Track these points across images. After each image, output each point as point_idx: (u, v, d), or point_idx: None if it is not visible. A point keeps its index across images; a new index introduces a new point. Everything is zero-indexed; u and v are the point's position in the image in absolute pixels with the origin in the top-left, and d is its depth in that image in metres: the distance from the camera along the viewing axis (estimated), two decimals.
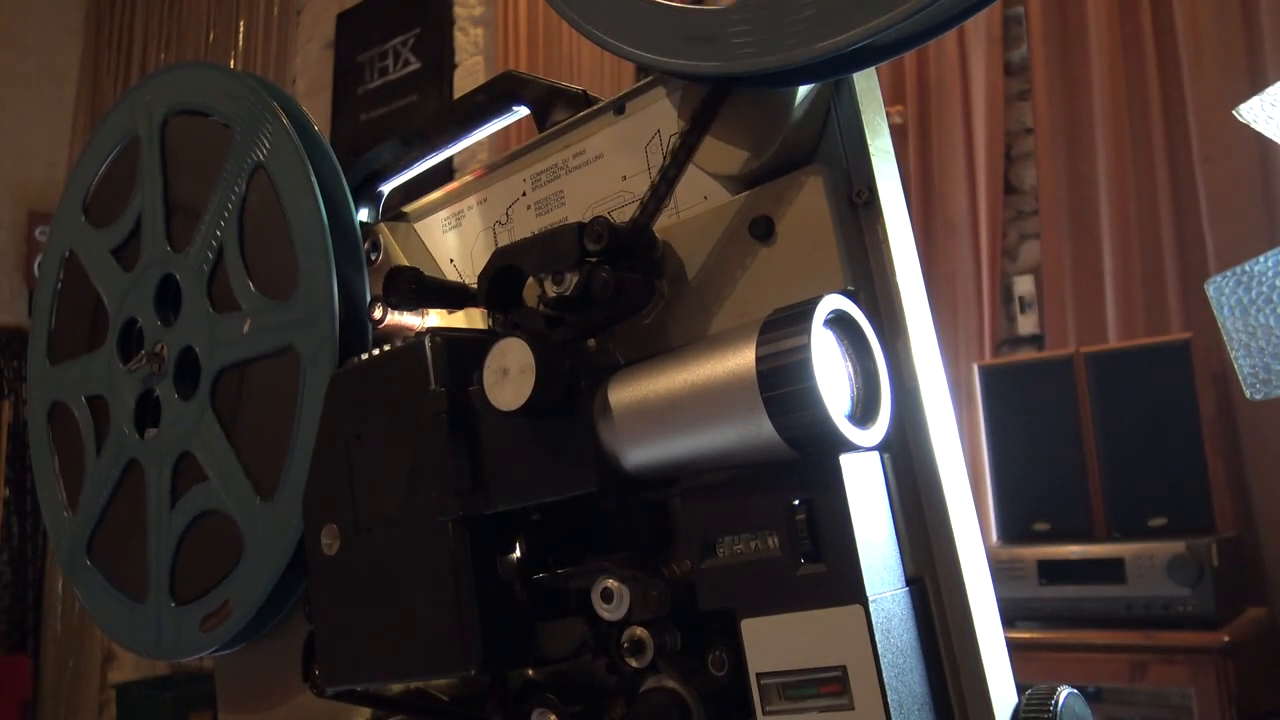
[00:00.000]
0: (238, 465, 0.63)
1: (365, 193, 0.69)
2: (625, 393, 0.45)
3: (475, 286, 0.53)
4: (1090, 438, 1.95)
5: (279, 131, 0.64)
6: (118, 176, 0.75)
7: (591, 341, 0.51)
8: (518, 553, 0.49)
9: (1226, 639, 1.67)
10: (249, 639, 0.64)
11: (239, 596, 0.62)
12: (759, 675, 0.42)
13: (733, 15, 0.44)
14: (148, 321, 0.70)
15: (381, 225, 0.67)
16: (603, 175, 0.57)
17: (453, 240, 0.66)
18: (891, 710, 0.39)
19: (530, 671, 0.52)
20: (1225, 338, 0.84)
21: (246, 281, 0.64)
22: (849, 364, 0.44)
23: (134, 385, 0.70)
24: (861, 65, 0.45)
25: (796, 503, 0.41)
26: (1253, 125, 0.84)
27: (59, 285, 0.79)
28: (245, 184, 0.65)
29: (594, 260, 0.47)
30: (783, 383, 0.40)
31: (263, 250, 0.64)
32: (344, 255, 0.61)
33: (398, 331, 0.59)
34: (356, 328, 0.60)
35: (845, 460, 0.41)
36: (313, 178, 0.62)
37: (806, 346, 0.40)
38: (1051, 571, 1.89)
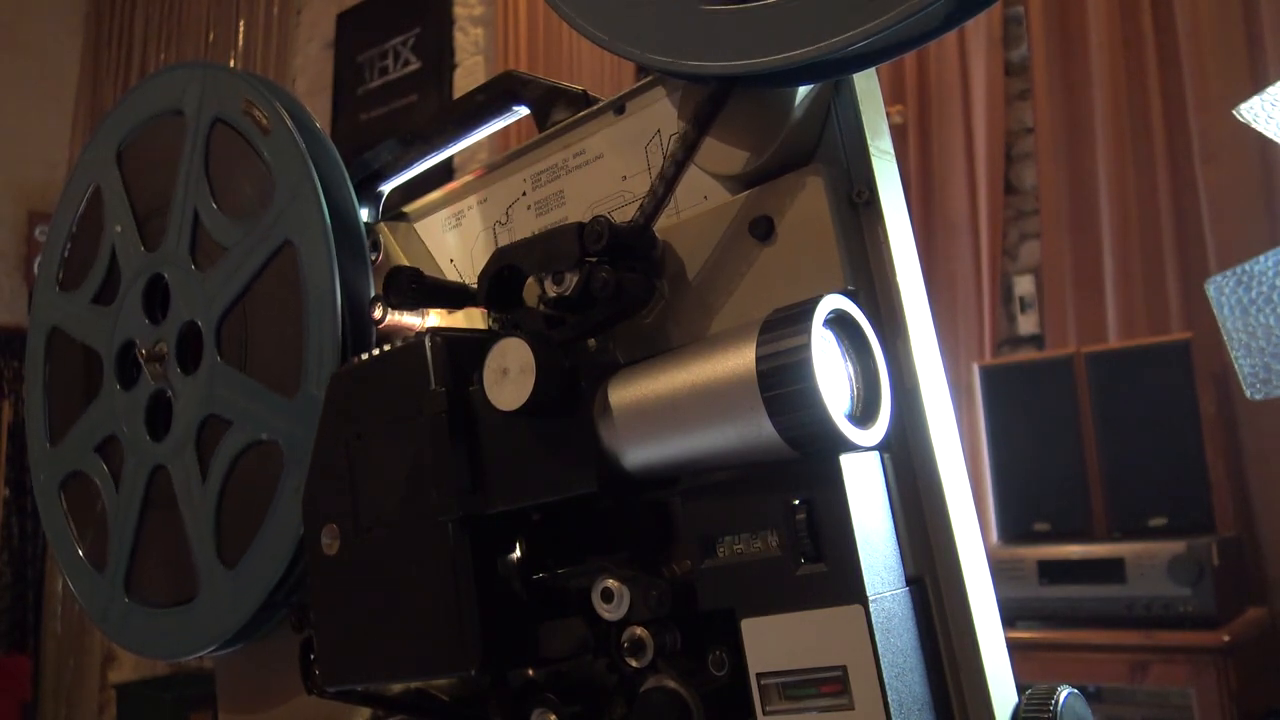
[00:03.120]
0: (208, 516, 0.63)
1: (365, 193, 0.69)
2: (625, 393, 0.45)
3: (475, 286, 0.53)
4: (1090, 438, 1.95)
5: (314, 214, 0.61)
6: (156, 144, 0.73)
7: (591, 341, 0.51)
8: (518, 553, 0.49)
9: (1226, 639, 1.68)
10: (249, 639, 0.64)
11: (182, 633, 0.63)
12: (759, 675, 0.42)
13: (733, 15, 0.44)
14: (141, 331, 0.70)
15: (382, 225, 0.67)
16: (603, 175, 0.57)
17: (453, 240, 0.66)
18: (891, 710, 0.39)
19: (530, 671, 0.52)
20: (1225, 338, 0.84)
21: (254, 351, 0.63)
22: (849, 364, 0.44)
23: (142, 398, 0.69)
24: (861, 65, 0.45)
25: (796, 502, 0.41)
26: (1253, 125, 0.84)
27: (80, 215, 0.77)
28: (271, 253, 0.63)
29: (594, 260, 0.47)
30: (783, 382, 0.40)
31: (276, 330, 0.63)
32: (346, 250, 0.61)
33: (398, 331, 0.59)
34: (359, 329, 0.60)
35: (845, 460, 0.41)
36: (336, 278, 0.60)
37: (807, 346, 0.40)
38: (1051, 571, 1.89)
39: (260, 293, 0.64)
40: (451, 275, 0.66)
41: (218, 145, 0.69)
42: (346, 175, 0.64)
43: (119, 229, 0.74)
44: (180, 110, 0.71)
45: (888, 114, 0.51)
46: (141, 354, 0.69)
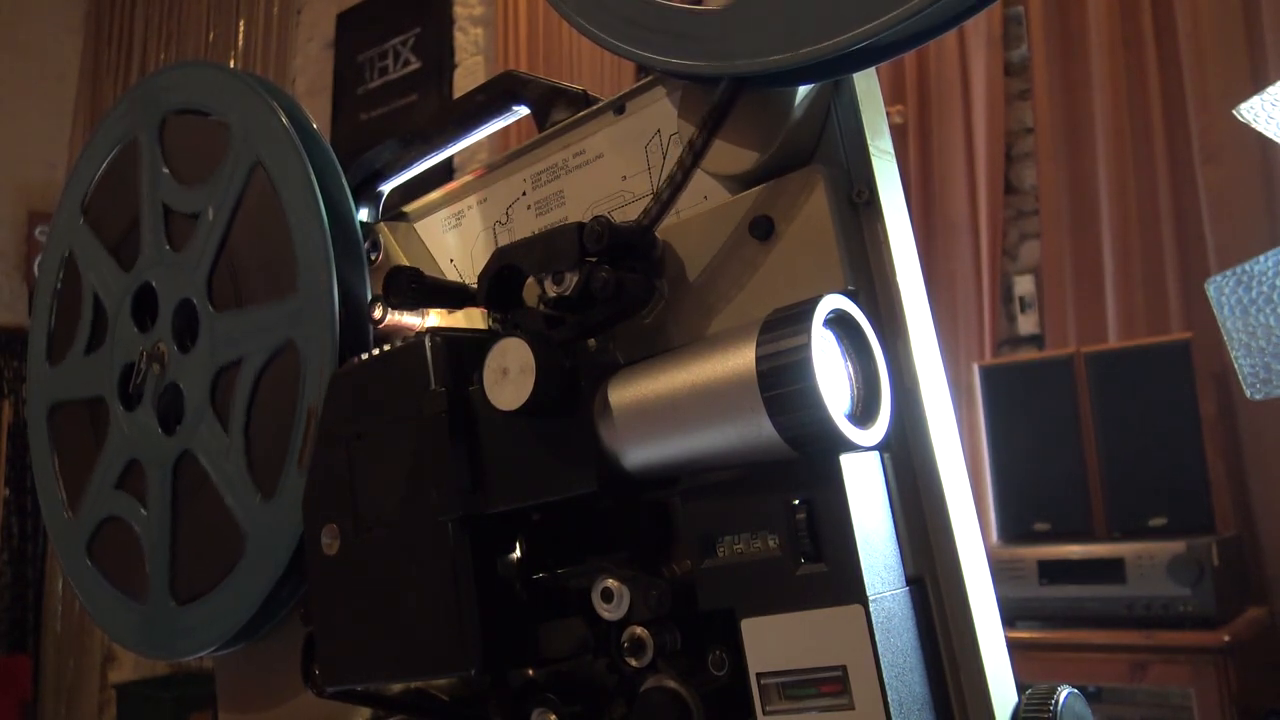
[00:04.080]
0: (239, 462, 0.63)
1: (365, 193, 0.69)
2: (625, 393, 0.45)
3: (475, 286, 0.53)
4: (1090, 438, 1.95)
5: (278, 130, 0.64)
6: (117, 177, 0.75)
7: (591, 341, 0.51)
8: (518, 553, 0.49)
9: (1226, 639, 1.67)
10: (249, 639, 0.64)
11: (240, 594, 0.62)
12: (759, 675, 0.42)
13: (732, 15, 0.44)
14: (146, 319, 0.70)
15: (381, 225, 0.67)
16: (603, 175, 0.57)
17: (453, 240, 0.66)
18: (891, 710, 0.39)
19: (530, 671, 0.52)
20: (1225, 338, 0.84)
21: (245, 279, 0.64)
22: (849, 364, 0.44)
23: (133, 385, 0.70)
24: (861, 65, 0.45)
25: (796, 502, 0.41)
26: (1253, 125, 0.84)
27: (59, 285, 0.79)
28: (243, 182, 0.65)
29: (594, 260, 0.47)
30: (783, 382, 0.40)
31: (262, 249, 0.64)
32: (344, 254, 0.61)
33: (398, 331, 0.59)
34: (357, 328, 0.60)
35: (845, 460, 0.41)
36: (311, 173, 0.62)
37: (807, 346, 0.40)
38: (1051, 571, 1.89)
39: (241, 224, 0.65)
40: (451, 275, 0.66)
41: (172, 136, 0.71)
42: (341, 173, 0.64)
43: (94, 273, 0.75)
44: (133, 135, 0.74)
45: (888, 114, 0.51)
46: (142, 355, 0.69)
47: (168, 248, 0.69)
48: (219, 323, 0.65)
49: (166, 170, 0.71)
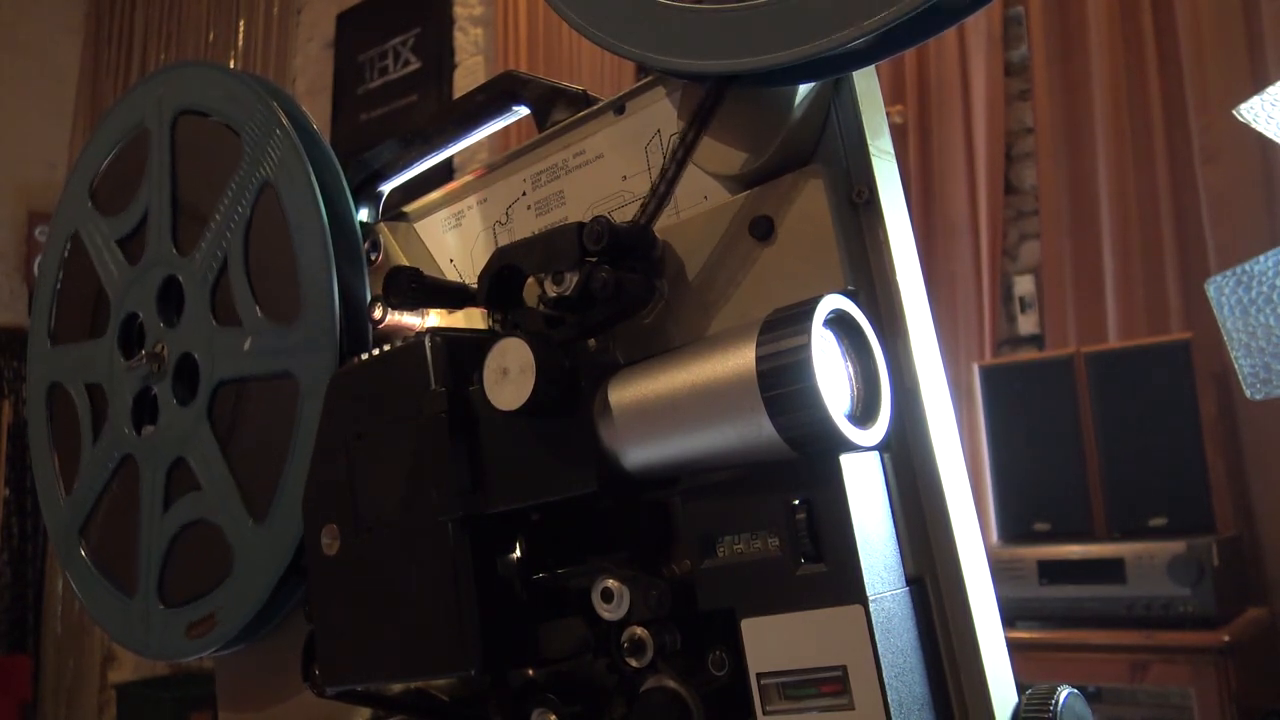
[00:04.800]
0: (231, 481, 0.63)
1: (365, 193, 0.69)
2: (625, 393, 0.45)
3: (475, 286, 0.53)
4: (1090, 438, 1.95)
5: (287, 147, 0.63)
6: (126, 165, 0.75)
7: (591, 341, 0.51)
8: (518, 553, 0.49)
9: (1226, 639, 1.68)
10: (248, 640, 0.64)
11: (226, 610, 0.62)
12: (759, 675, 0.42)
13: (732, 14, 0.44)
14: (149, 319, 0.70)
15: (381, 225, 0.67)
16: (603, 175, 0.57)
17: (453, 240, 0.66)
18: (892, 710, 0.39)
19: (530, 671, 0.52)
20: (1225, 338, 0.84)
21: (250, 299, 0.64)
22: (849, 364, 0.44)
23: (133, 381, 0.70)
24: (861, 63, 0.45)
25: (796, 502, 0.41)
26: (1253, 125, 0.84)
27: (63, 266, 0.78)
28: (253, 201, 0.65)
29: (594, 260, 0.47)
30: (783, 382, 0.40)
31: (267, 268, 0.64)
32: (344, 257, 0.61)
33: (398, 331, 0.59)
34: (357, 328, 0.60)
35: (845, 460, 0.41)
36: (320, 200, 0.61)
37: (807, 346, 0.40)
38: (1051, 571, 1.89)
39: (248, 241, 0.65)
40: (451, 275, 0.66)
41: (184, 135, 0.71)
42: (341, 173, 0.64)
43: (100, 260, 0.75)
44: (143, 123, 0.73)
45: (888, 114, 0.51)
46: (143, 355, 0.69)
47: (174, 250, 0.69)
48: (220, 337, 0.65)
49: (176, 170, 0.71)
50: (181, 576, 0.66)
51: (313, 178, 0.62)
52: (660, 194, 0.48)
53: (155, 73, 0.74)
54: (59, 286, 0.78)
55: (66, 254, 0.78)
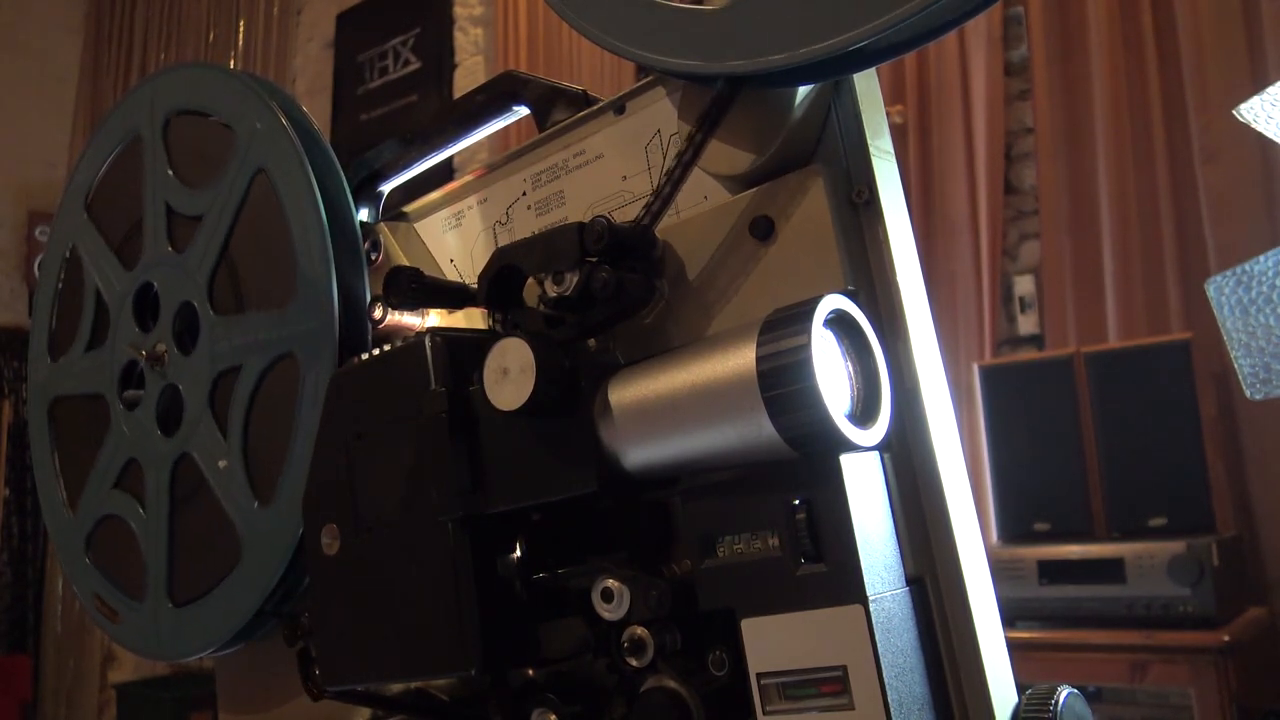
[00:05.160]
0: (236, 467, 0.63)
1: (365, 193, 0.69)
2: (626, 393, 0.45)
3: (475, 286, 0.53)
4: (1090, 438, 1.95)
5: (280, 135, 0.64)
6: (121, 174, 0.75)
7: (591, 341, 0.51)
8: (518, 553, 0.49)
9: (1226, 639, 1.67)
10: (248, 639, 0.64)
11: (236, 599, 0.62)
12: (759, 675, 0.42)
13: (732, 14, 0.44)
14: (147, 320, 0.70)
15: (381, 225, 0.67)
16: (603, 175, 0.57)
17: (453, 240, 0.66)
18: (892, 710, 0.39)
19: (530, 671, 0.52)
20: (1225, 338, 0.84)
21: (246, 286, 0.64)
22: (849, 364, 0.43)
23: (134, 384, 0.70)
24: (861, 65, 0.45)
25: (797, 502, 0.41)
26: (1253, 125, 0.84)
27: (61, 281, 0.78)
28: (246, 187, 0.65)
29: (594, 260, 0.47)
30: (783, 382, 0.40)
31: (263, 255, 0.64)
32: (344, 256, 0.61)
33: (398, 331, 0.59)
34: (356, 328, 0.60)
35: (845, 460, 0.41)
36: (313, 181, 0.62)
37: (807, 346, 0.40)
38: (1051, 571, 1.89)
39: (243, 230, 0.65)
40: (451, 275, 0.66)
41: (176, 136, 0.71)
42: (343, 175, 0.64)
43: (97, 270, 0.75)
44: (137, 132, 0.73)
45: (888, 114, 0.51)
46: (143, 356, 0.69)
47: (170, 249, 0.69)
48: (219, 327, 0.65)
49: (170, 171, 0.71)
50: (190, 574, 0.66)
51: (302, 155, 0.62)
52: (665, 195, 0.48)
53: (143, 80, 0.75)
54: (58, 303, 0.78)
55: (64, 269, 0.78)
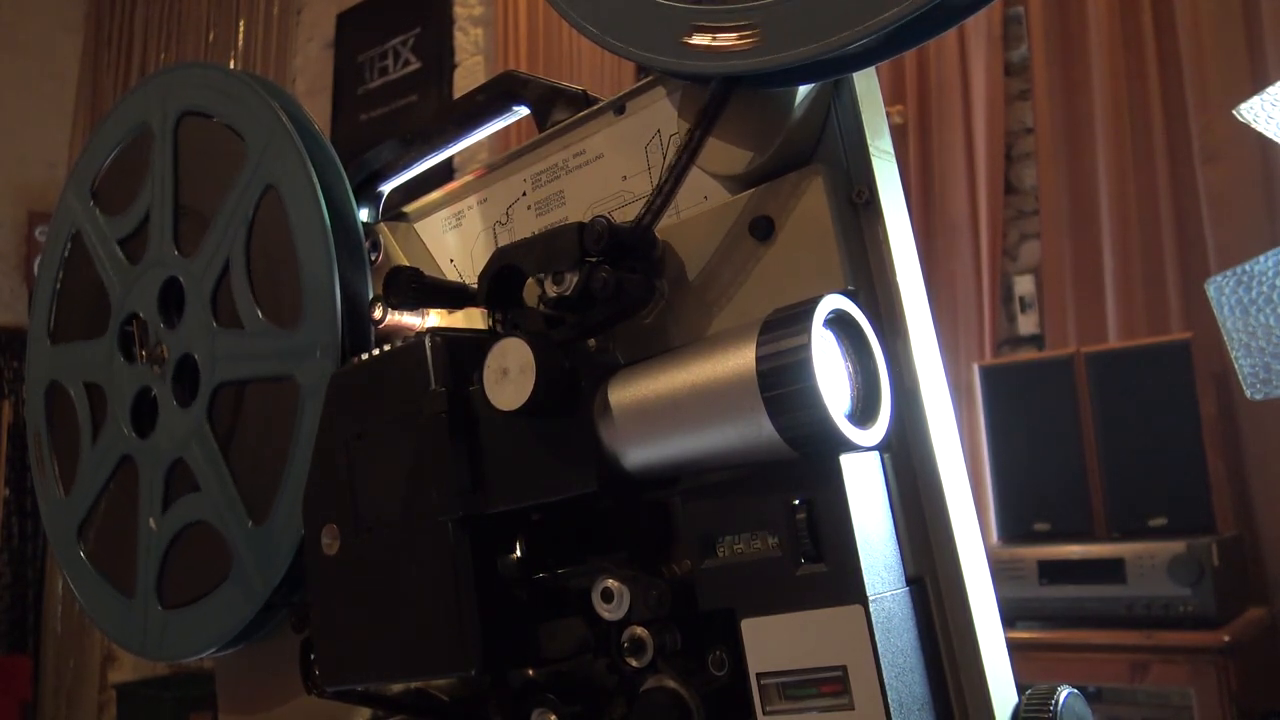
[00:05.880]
0: (231, 483, 0.63)
1: (365, 193, 0.69)
2: (626, 393, 0.45)
3: (475, 286, 0.53)
4: (1090, 438, 1.95)
5: (291, 152, 0.63)
6: (128, 165, 0.75)
7: (591, 341, 0.51)
8: (518, 553, 0.49)
9: (1227, 639, 1.67)
10: (248, 640, 0.64)
11: (223, 611, 0.62)
12: (759, 675, 0.42)
13: (732, 14, 0.44)
14: (150, 319, 0.70)
15: (381, 225, 0.67)
16: (603, 175, 0.57)
17: (453, 240, 0.66)
18: (892, 710, 0.39)
19: (530, 671, 0.52)
20: (1225, 338, 0.84)
21: (251, 302, 0.64)
22: (849, 364, 0.43)
23: (133, 381, 0.70)
24: (861, 64, 0.45)
25: (797, 502, 0.41)
26: (1253, 125, 0.84)
27: (63, 265, 0.78)
28: (256, 203, 0.65)
29: (594, 260, 0.47)
30: (783, 383, 0.40)
31: (269, 271, 0.64)
32: (347, 257, 0.61)
33: (398, 331, 0.59)
34: (359, 332, 0.60)
35: (845, 460, 0.41)
36: (323, 206, 0.61)
37: (807, 346, 0.40)
38: (1051, 571, 1.89)
39: (251, 243, 0.65)
40: (451, 275, 0.66)
41: (185, 137, 0.71)
42: (344, 175, 0.64)
43: (101, 259, 0.74)
44: (147, 123, 0.73)
45: (888, 114, 0.51)
46: (143, 355, 0.69)
47: (175, 251, 0.69)
48: (221, 339, 0.65)
49: (179, 171, 0.70)
50: (180, 578, 0.66)
51: (315, 179, 0.62)
52: (665, 194, 0.48)
53: (158, 72, 0.74)
54: (59, 286, 0.78)
55: (67, 253, 0.78)
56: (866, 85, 0.48)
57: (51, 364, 0.77)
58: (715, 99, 0.46)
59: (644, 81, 0.55)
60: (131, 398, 0.70)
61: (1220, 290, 0.83)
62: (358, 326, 0.60)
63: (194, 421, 0.65)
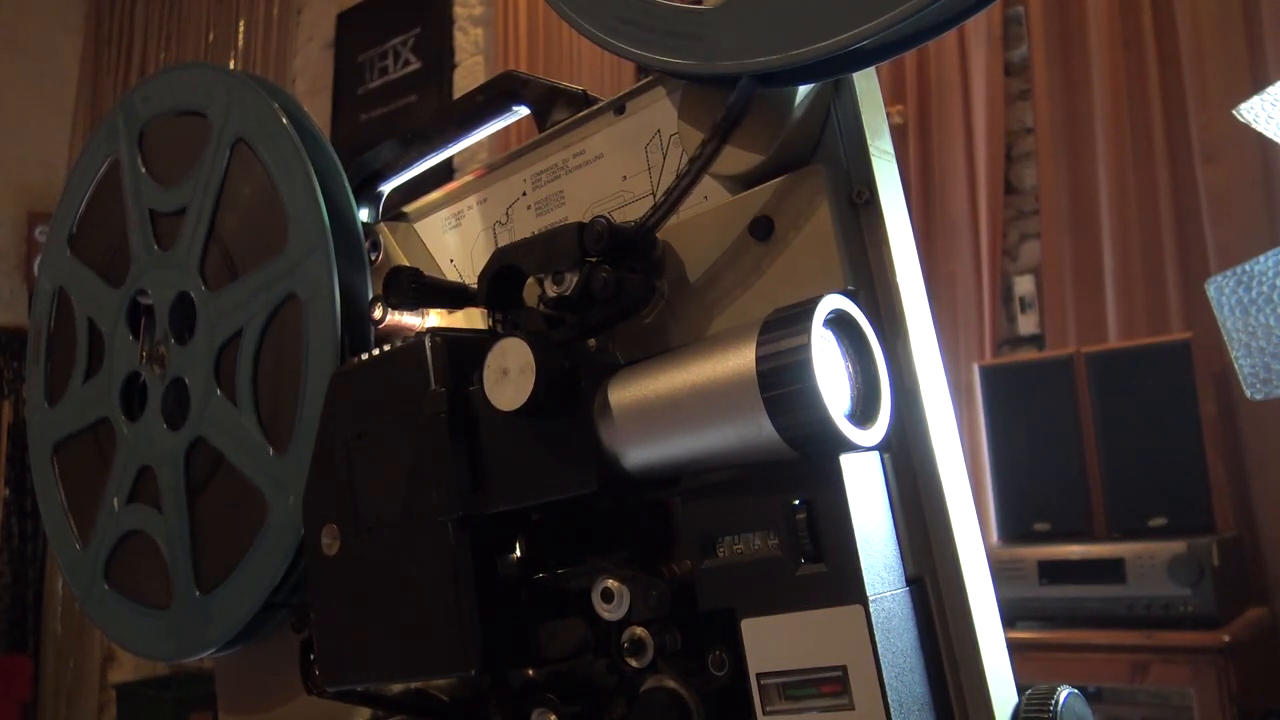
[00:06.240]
0: (252, 428, 0.62)
1: (365, 193, 0.69)
2: (625, 393, 0.45)
3: (475, 286, 0.53)
4: (1090, 438, 1.95)
5: (248, 94, 0.64)
6: (101, 201, 0.75)
7: (591, 341, 0.51)
8: (518, 553, 0.49)
9: (1227, 639, 1.67)
10: (248, 640, 0.64)
11: (266, 558, 0.61)
12: (759, 675, 0.42)
13: (732, 14, 0.44)
14: (143, 327, 0.70)
15: (381, 225, 0.67)
16: (603, 175, 0.57)
17: (453, 240, 0.66)
18: (891, 710, 0.39)
19: (530, 671, 0.52)
20: (1225, 338, 0.84)
21: (238, 256, 0.64)
22: (849, 364, 0.43)
23: (138, 392, 0.69)
24: (861, 65, 0.45)
25: (796, 503, 0.41)
26: (1253, 125, 0.84)
27: (52, 326, 0.78)
28: (225, 161, 0.65)
29: (594, 260, 0.47)
30: (783, 383, 0.40)
31: (250, 219, 0.64)
32: (346, 255, 0.61)
33: (398, 331, 0.59)
34: (357, 328, 0.60)
35: (845, 460, 0.41)
36: (286, 123, 0.62)
37: (807, 346, 0.40)
38: (1051, 571, 1.89)
39: (228, 203, 0.66)
40: (451, 275, 0.66)
41: (151, 144, 0.71)
42: (345, 179, 0.64)
43: (87, 303, 0.74)
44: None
45: (888, 114, 0.51)
46: (143, 359, 0.69)
47: (157, 249, 0.69)
48: (215, 301, 0.65)
49: (148, 175, 0.71)
50: (215, 555, 0.65)
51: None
52: (673, 200, 0.47)
53: (116, 103, 0.74)
54: (50, 348, 0.78)
55: (53, 316, 0.78)
56: (866, 85, 0.48)
57: (55, 425, 0.76)
58: (736, 103, 0.46)
59: (644, 81, 0.55)
60: (137, 410, 0.69)
61: (1220, 290, 0.83)
62: (356, 323, 0.60)
63: (203, 395, 0.65)
